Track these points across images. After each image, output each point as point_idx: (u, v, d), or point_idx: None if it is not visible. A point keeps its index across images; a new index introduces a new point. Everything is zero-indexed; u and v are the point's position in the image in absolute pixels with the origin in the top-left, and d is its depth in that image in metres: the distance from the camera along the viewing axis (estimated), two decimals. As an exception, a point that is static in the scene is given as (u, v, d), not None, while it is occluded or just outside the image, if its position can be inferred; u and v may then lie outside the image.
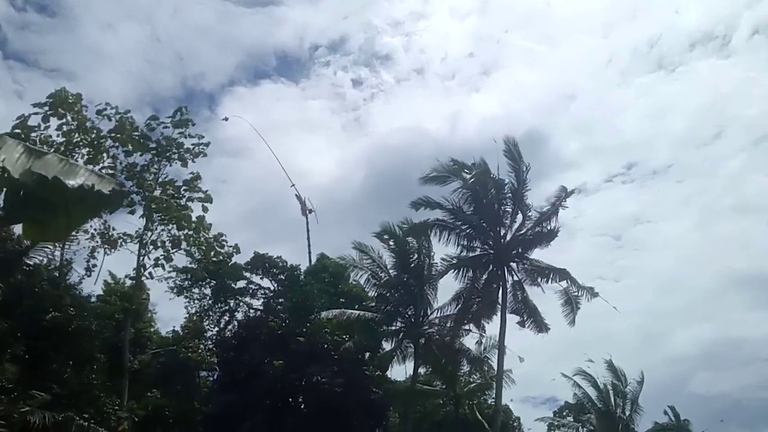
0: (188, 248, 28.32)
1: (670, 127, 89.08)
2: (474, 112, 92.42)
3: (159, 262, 27.90)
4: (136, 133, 26.89)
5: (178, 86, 79.02)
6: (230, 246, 29.52)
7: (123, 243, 26.99)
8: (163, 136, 27.33)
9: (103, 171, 26.35)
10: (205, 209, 27.68)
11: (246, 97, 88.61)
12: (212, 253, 28.94)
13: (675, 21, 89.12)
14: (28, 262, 24.74)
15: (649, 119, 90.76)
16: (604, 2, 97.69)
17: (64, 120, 25.82)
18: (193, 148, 27.66)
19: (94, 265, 27.04)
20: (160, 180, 27.67)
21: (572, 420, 42.30)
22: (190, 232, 27.83)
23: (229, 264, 30.70)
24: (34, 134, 25.06)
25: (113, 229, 27.20)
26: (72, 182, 3.93)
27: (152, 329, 33.32)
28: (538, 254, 29.55)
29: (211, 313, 34.98)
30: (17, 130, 24.25)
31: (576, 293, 28.69)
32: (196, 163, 27.97)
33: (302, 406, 31.70)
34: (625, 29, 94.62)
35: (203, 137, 28.14)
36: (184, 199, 27.75)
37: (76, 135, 25.96)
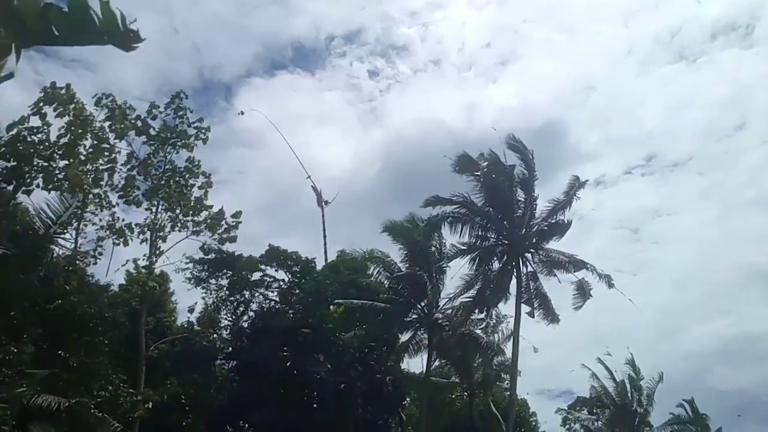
0: (196, 225, 28.56)
1: (691, 119, 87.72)
2: (491, 103, 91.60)
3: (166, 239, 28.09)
4: (138, 122, 27.12)
5: (195, 77, 79.54)
6: (232, 218, 29.33)
7: (130, 235, 27.15)
8: (165, 125, 27.67)
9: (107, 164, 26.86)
10: (205, 195, 28.10)
11: (262, 88, 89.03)
12: (219, 228, 29.02)
13: (696, 11, 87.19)
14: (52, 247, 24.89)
15: (669, 110, 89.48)
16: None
17: (65, 116, 25.39)
18: (196, 133, 28.03)
19: (101, 254, 27.18)
20: (167, 168, 27.96)
21: (587, 413, 42.01)
22: (192, 214, 28.15)
23: (235, 235, 30.24)
24: (36, 136, 24.66)
25: (122, 220, 27.51)
26: None
27: (172, 319, 33.86)
28: (554, 244, 29.46)
29: (228, 303, 35.34)
30: (12, 131, 24.07)
31: (590, 285, 28.40)
32: (198, 147, 28.26)
33: (315, 397, 31.89)
34: (645, 19, 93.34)
35: (202, 120, 28.47)
36: (187, 184, 28.10)
37: (74, 128, 25.49)
